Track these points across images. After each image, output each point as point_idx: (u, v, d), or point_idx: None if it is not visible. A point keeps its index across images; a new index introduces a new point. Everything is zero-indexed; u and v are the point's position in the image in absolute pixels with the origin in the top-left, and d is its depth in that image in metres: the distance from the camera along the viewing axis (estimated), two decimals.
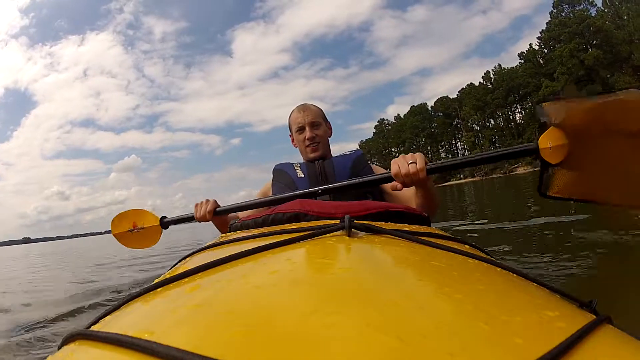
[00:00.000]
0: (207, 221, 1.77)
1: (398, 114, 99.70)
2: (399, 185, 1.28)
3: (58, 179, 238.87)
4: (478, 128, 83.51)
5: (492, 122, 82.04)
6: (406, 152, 1.36)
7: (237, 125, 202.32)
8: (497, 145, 78.14)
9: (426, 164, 1.27)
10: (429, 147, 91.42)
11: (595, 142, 1.17)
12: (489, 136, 79.37)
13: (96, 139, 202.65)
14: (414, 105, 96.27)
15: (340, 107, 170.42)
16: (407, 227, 0.82)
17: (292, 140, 1.87)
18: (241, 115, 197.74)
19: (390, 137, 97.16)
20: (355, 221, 0.64)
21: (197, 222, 1.83)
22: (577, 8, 68.22)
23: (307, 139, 1.74)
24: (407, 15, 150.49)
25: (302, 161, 1.81)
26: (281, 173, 1.72)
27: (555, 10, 70.43)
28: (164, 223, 2.15)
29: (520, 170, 63.29)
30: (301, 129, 1.76)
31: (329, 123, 1.87)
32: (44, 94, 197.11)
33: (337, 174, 1.62)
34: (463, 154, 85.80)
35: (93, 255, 11.33)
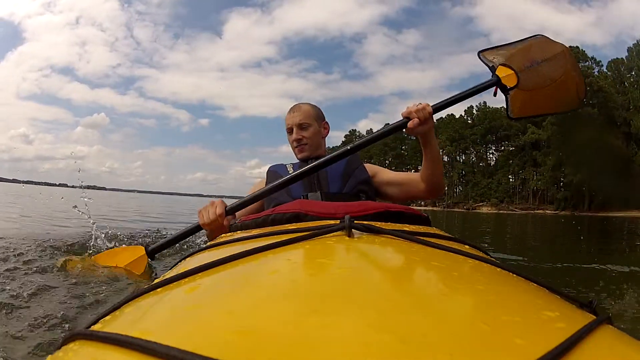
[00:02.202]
0: (219, 224, 1.51)
1: (371, 129, 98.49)
2: (416, 121, 1.44)
3: (26, 121, 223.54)
4: (448, 160, 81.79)
5: (463, 157, 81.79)
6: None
7: (208, 106, 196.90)
8: (464, 180, 78.69)
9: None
10: (393, 168, 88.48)
11: (529, 69, 1.73)
12: (459, 170, 79.13)
13: (71, 89, 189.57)
14: (388, 123, 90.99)
15: (331, 103, 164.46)
16: (407, 227, 0.83)
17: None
18: (215, 97, 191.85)
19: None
20: (355, 221, 0.64)
21: (202, 231, 1.68)
22: (582, 64, 67.82)
23: (294, 140, 1.77)
24: (400, 36, 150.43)
25: (296, 161, 1.83)
26: (274, 175, 1.73)
27: None
28: (150, 253, 1.96)
29: (484, 209, 65.22)
30: (290, 130, 1.80)
31: (325, 122, 1.86)
32: (34, 33, 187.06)
33: (329, 174, 1.65)
34: None
35: None
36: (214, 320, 0.36)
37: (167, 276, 0.55)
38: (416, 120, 1.44)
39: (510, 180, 72.53)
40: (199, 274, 0.51)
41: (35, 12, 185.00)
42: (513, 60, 1.74)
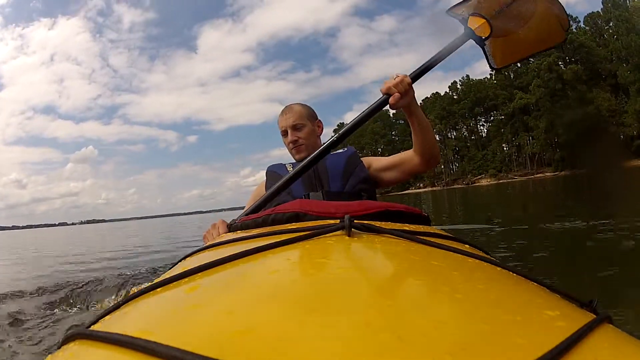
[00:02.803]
0: None
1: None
2: (397, 95, 1.40)
3: (16, 166, 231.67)
4: (440, 137, 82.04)
5: (455, 133, 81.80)
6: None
7: (194, 122, 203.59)
8: (459, 155, 78.54)
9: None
10: (387, 154, 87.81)
11: (501, 13, 1.64)
12: (453, 146, 79.19)
13: (55, 127, 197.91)
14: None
15: (323, 99, 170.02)
16: (407, 227, 0.83)
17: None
18: (199, 112, 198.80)
19: (349, 142, 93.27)
20: (355, 221, 0.64)
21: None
22: None
23: (290, 142, 1.76)
24: (374, 24, 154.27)
25: (294, 161, 1.82)
26: (273, 175, 1.72)
27: None
28: None
29: (483, 182, 64.70)
30: (284, 133, 1.78)
31: (318, 121, 1.86)
32: (10, 77, 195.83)
33: (330, 173, 1.64)
34: None
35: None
36: (213, 320, 0.36)
37: (167, 276, 0.55)
38: (397, 94, 1.41)
39: (505, 149, 72.56)
40: (199, 274, 0.51)
41: (9, 57, 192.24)
42: (482, 7, 1.66)
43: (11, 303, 3.26)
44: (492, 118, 75.98)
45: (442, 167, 79.51)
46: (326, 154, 1.51)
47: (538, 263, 3.23)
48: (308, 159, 1.49)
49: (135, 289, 0.91)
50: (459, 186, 64.29)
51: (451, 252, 0.60)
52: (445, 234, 0.84)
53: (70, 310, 2.89)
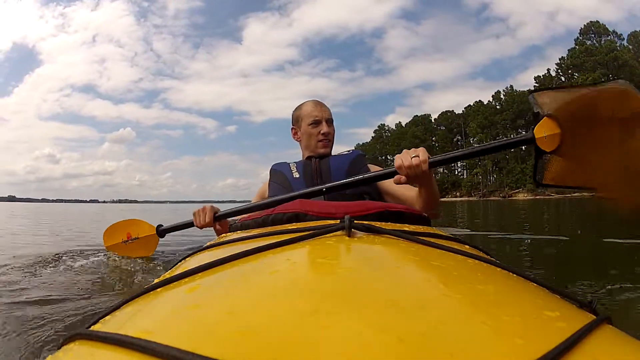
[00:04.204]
0: (210, 227, 1.82)
1: (399, 122, 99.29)
2: (403, 179, 1.30)
3: (50, 141, 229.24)
4: None
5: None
6: None
7: (234, 113, 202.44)
8: (498, 167, 77.70)
9: (429, 157, 1.30)
10: None
11: (587, 130, 1.23)
12: (492, 157, 76.60)
13: (94, 106, 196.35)
14: (417, 115, 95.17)
15: (338, 109, 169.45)
16: (407, 227, 0.83)
17: (295, 134, 1.86)
18: (240, 103, 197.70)
19: (389, 144, 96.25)
20: (355, 221, 0.64)
21: (198, 228, 1.88)
22: (605, 38, 68.01)
23: (322, 133, 1.74)
24: (419, 28, 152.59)
25: (300, 159, 1.83)
26: (277, 173, 1.72)
27: (581, 38, 69.69)
28: (161, 232, 2.26)
29: (520, 197, 63.66)
30: (317, 122, 1.74)
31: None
32: (49, 54, 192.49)
33: (333, 174, 1.62)
34: (461, 173, 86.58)
35: None
36: (213, 320, 0.36)
37: (167, 276, 0.55)
38: (402, 178, 1.30)
39: None
40: (199, 274, 0.51)
41: (48, 34, 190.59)
42: (565, 108, 1.31)
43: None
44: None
45: (480, 177, 78.06)
46: (354, 185, 1.46)
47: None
48: (335, 183, 1.46)
49: (135, 289, 0.91)
50: (495, 198, 63.10)
51: (451, 253, 0.60)
52: (445, 234, 0.84)
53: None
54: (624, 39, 66.84)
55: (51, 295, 1.94)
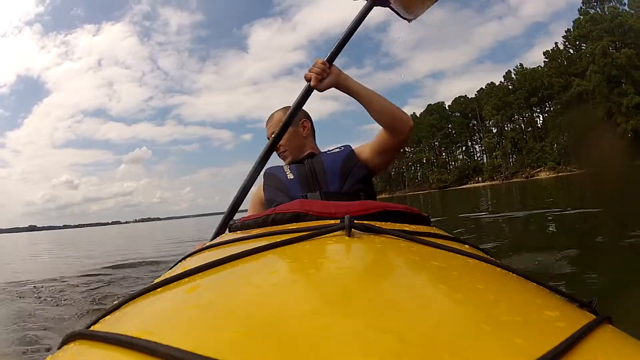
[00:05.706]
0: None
1: (414, 112, 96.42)
2: (313, 76, 1.50)
3: (67, 168, 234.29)
4: (495, 130, 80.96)
5: (510, 125, 79.41)
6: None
7: (248, 121, 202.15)
8: (517, 148, 76.09)
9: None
10: (443, 148, 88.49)
11: None
12: (511, 138, 76.27)
13: (107, 130, 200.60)
14: (430, 104, 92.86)
15: (352, 107, 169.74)
16: (406, 227, 0.83)
17: None
18: (253, 110, 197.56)
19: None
20: (355, 221, 0.64)
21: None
22: (607, 5, 66.15)
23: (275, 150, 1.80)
24: (424, 16, 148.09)
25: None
26: (271, 176, 1.73)
27: (584, 7, 67.75)
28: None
29: (542, 175, 62.33)
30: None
31: (304, 120, 1.84)
32: (56, 83, 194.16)
33: (327, 173, 1.62)
34: (480, 158, 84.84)
35: None
36: (214, 320, 0.36)
37: (167, 276, 0.55)
38: (312, 75, 1.49)
39: (563, 140, 69.03)
40: (199, 274, 0.51)
41: (52, 63, 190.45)
42: None
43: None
44: (546, 108, 73.50)
45: (501, 160, 77.08)
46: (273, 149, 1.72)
47: None
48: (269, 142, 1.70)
49: (135, 289, 0.91)
50: (518, 180, 61.81)
51: (451, 253, 0.60)
52: (445, 234, 0.84)
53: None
54: (625, 4, 65.08)
55: None
